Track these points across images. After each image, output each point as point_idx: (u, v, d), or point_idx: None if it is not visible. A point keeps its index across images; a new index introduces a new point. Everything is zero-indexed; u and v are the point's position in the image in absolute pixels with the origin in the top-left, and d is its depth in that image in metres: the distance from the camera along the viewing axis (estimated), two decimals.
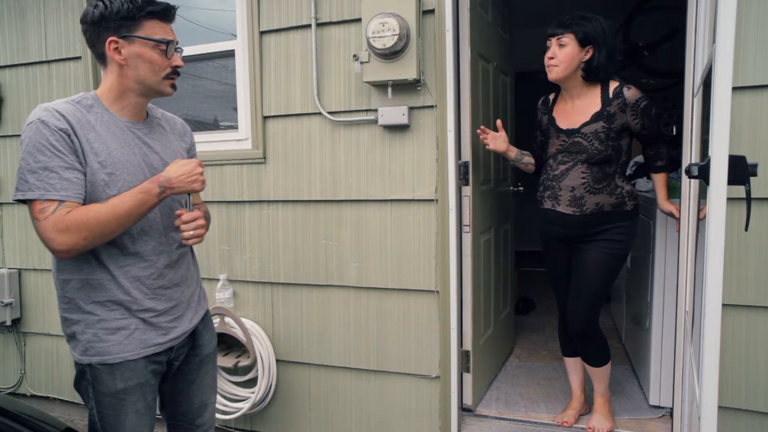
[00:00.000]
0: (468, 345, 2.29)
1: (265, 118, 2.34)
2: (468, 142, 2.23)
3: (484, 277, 2.45)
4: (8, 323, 2.83)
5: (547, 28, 2.03)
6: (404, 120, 2.09)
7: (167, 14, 1.33)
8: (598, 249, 2.03)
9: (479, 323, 2.40)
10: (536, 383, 2.66)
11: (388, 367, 2.24)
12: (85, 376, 1.33)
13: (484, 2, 2.40)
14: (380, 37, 1.95)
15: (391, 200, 2.18)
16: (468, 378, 2.31)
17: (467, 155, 2.23)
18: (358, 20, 2.12)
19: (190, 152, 1.54)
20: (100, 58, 1.32)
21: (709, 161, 1.10)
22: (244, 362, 2.32)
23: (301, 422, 2.39)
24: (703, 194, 1.62)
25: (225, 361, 2.31)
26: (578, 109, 2.05)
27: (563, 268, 2.18)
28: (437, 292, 2.14)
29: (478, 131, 2.15)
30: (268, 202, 2.37)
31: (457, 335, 2.19)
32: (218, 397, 2.34)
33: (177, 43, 1.36)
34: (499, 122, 2.20)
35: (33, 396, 2.92)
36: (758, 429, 1.88)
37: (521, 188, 3.00)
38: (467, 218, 2.24)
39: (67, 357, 2.80)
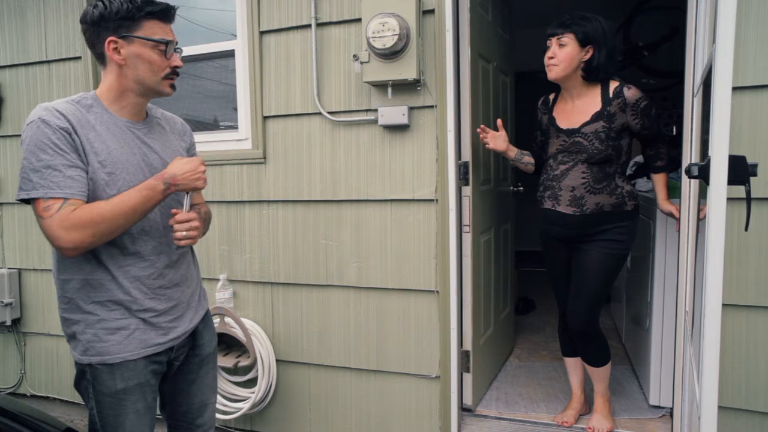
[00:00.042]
0: (468, 345, 2.29)
1: (265, 118, 2.34)
2: (468, 142, 2.23)
3: (484, 277, 2.45)
4: (8, 323, 2.83)
5: (547, 28, 2.03)
6: (404, 120, 2.09)
7: (167, 14, 1.33)
8: (598, 249, 2.03)
9: (479, 323, 2.40)
10: (536, 383, 2.66)
11: (388, 367, 2.24)
12: (85, 376, 1.33)
13: (484, 2, 2.40)
14: (380, 37, 1.95)
15: (391, 200, 2.18)
16: (468, 378, 2.31)
17: (467, 155, 2.23)
18: (358, 20, 2.12)
19: (190, 152, 1.54)
20: (100, 58, 1.32)
21: (709, 161, 1.10)
22: (244, 362, 2.32)
23: (301, 422, 2.40)
24: (703, 194, 1.62)
25: (225, 361, 2.31)
26: (578, 109, 2.05)
27: (563, 268, 2.18)
28: (437, 292, 2.14)
29: (478, 130, 2.15)
30: (268, 202, 2.37)
31: (457, 335, 2.19)
32: (218, 397, 2.34)
33: (176, 43, 1.36)
34: (499, 122, 2.20)
35: (33, 396, 2.92)
36: (758, 429, 1.88)
37: (521, 188, 3.00)
38: (467, 218, 2.24)
39: (67, 357, 2.80)
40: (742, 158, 1.11)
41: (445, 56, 2.03)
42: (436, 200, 2.11)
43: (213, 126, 2.62)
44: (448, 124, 2.06)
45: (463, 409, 2.33)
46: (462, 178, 2.23)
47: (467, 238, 2.25)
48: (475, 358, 2.34)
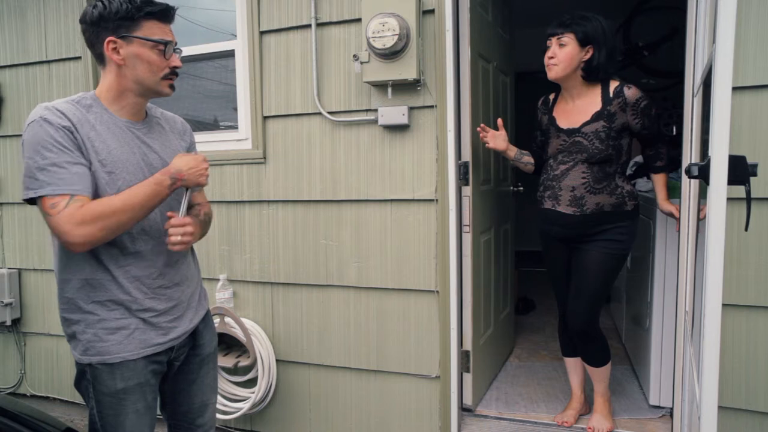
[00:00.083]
0: (468, 345, 2.29)
1: (265, 118, 2.34)
2: (468, 142, 2.23)
3: (484, 277, 2.45)
4: (8, 323, 2.83)
5: (547, 27, 2.03)
6: (404, 120, 2.09)
7: (166, 15, 1.33)
8: (598, 249, 2.03)
9: (479, 323, 2.40)
10: (536, 383, 2.66)
11: (388, 367, 2.24)
12: (85, 376, 1.33)
13: (484, 2, 2.40)
14: (380, 37, 1.95)
15: (391, 200, 2.18)
16: (468, 378, 2.31)
17: (467, 155, 2.23)
18: (358, 20, 2.12)
19: (190, 151, 1.54)
20: (99, 58, 1.32)
21: (709, 161, 1.10)
22: (244, 362, 2.32)
23: (301, 422, 2.40)
24: (703, 194, 1.62)
25: (225, 361, 2.31)
26: (579, 109, 2.05)
27: (563, 268, 2.18)
28: (437, 292, 2.14)
29: (478, 129, 2.15)
30: (268, 202, 2.37)
31: (457, 335, 2.19)
32: (218, 397, 2.34)
33: (176, 43, 1.36)
34: (500, 121, 2.20)
35: (33, 396, 2.92)
36: (758, 429, 1.88)
37: (521, 188, 3.00)
38: (467, 218, 2.24)
39: (67, 357, 2.80)
40: (742, 158, 1.11)
41: (445, 56, 2.03)
42: (436, 200, 2.11)
43: (213, 126, 2.62)
44: (448, 124, 2.06)
45: (463, 409, 2.33)
46: (462, 178, 2.23)
47: (467, 238, 2.25)
48: (475, 358, 2.34)
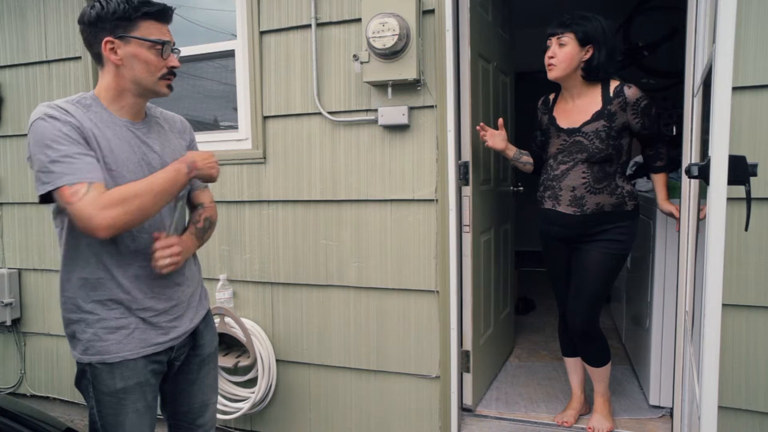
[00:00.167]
0: (468, 345, 2.29)
1: (265, 118, 2.34)
2: (468, 142, 2.23)
3: (484, 277, 2.45)
4: (8, 323, 2.83)
5: (547, 27, 2.03)
6: (404, 120, 2.09)
7: (164, 15, 1.33)
8: (598, 249, 2.03)
9: (479, 323, 2.40)
10: (536, 383, 2.66)
11: (388, 367, 2.24)
12: (85, 375, 1.33)
13: (484, 2, 2.40)
14: (380, 37, 1.95)
15: (391, 200, 2.18)
16: (468, 378, 2.31)
17: (467, 155, 2.23)
18: (358, 20, 2.12)
19: (191, 148, 1.53)
20: (97, 58, 1.32)
21: (709, 161, 1.10)
22: (244, 362, 2.32)
23: (301, 422, 2.40)
24: (703, 194, 1.62)
25: (225, 361, 2.31)
26: (579, 109, 2.05)
27: (563, 268, 2.18)
28: (437, 292, 2.14)
29: (478, 128, 2.15)
30: (268, 202, 2.37)
31: (457, 335, 2.19)
32: (218, 397, 2.34)
33: (174, 44, 1.36)
34: (500, 121, 2.20)
35: (33, 396, 2.92)
36: (758, 429, 1.88)
37: (521, 188, 3.00)
38: (467, 218, 2.24)
39: (67, 357, 2.80)
40: (742, 158, 1.11)
41: (445, 56, 2.03)
42: (436, 200, 2.11)
43: (213, 126, 2.62)
44: (448, 124, 2.06)
45: (463, 409, 2.33)
46: (462, 178, 2.23)
47: (467, 238, 2.25)
48: (475, 358, 2.34)
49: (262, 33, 2.30)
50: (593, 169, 2.00)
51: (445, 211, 2.09)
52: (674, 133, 3.51)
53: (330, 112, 2.23)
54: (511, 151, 2.21)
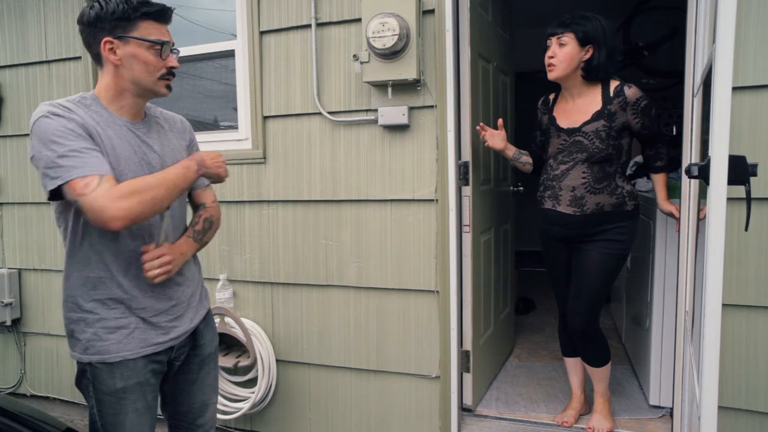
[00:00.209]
0: (468, 345, 2.29)
1: (265, 118, 2.34)
2: (468, 142, 2.23)
3: (484, 277, 2.45)
4: (8, 323, 2.83)
5: (547, 27, 2.03)
6: (404, 120, 2.09)
7: (163, 15, 1.33)
8: (598, 249, 2.03)
9: (479, 323, 2.40)
10: (536, 383, 2.66)
11: (388, 367, 2.24)
12: (85, 375, 1.33)
13: (484, 2, 2.40)
14: (380, 37, 1.95)
15: (391, 200, 2.18)
16: (468, 378, 2.31)
17: (467, 155, 2.23)
18: (358, 20, 2.12)
19: (191, 148, 1.54)
20: (96, 58, 1.32)
21: (709, 161, 1.10)
22: (244, 362, 2.32)
23: (301, 422, 2.40)
24: (703, 194, 1.62)
25: (225, 361, 2.31)
26: (579, 108, 2.05)
27: (563, 268, 2.18)
28: (437, 292, 2.14)
29: (478, 128, 2.15)
30: (268, 202, 2.37)
31: (457, 335, 2.19)
32: (218, 397, 2.34)
33: (173, 44, 1.36)
34: (500, 121, 2.20)
35: (33, 396, 2.92)
36: (758, 429, 1.88)
37: (521, 188, 3.00)
38: (467, 218, 2.24)
39: (67, 357, 2.80)
40: (742, 158, 1.11)
41: (445, 56, 2.03)
42: (436, 200, 2.10)
43: (213, 126, 2.62)
44: (448, 124, 2.06)
45: (463, 409, 2.33)
46: (462, 178, 2.23)
47: (467, 238, 2.25)
48: (475, 358, 2.34)
49: (262, 33, 2.30)
50: (593, 169, 2.00)
51: (445, 211, 2.09)
52: (674, 133, 3.51)
53: (330, 112, 2.23)
54: (511, 150, 2.21)
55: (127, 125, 1.34)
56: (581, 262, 2.07)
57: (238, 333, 2.29)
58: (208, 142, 2.45)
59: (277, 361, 2.40)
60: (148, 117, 1.42)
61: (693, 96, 1.82)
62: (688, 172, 1.29)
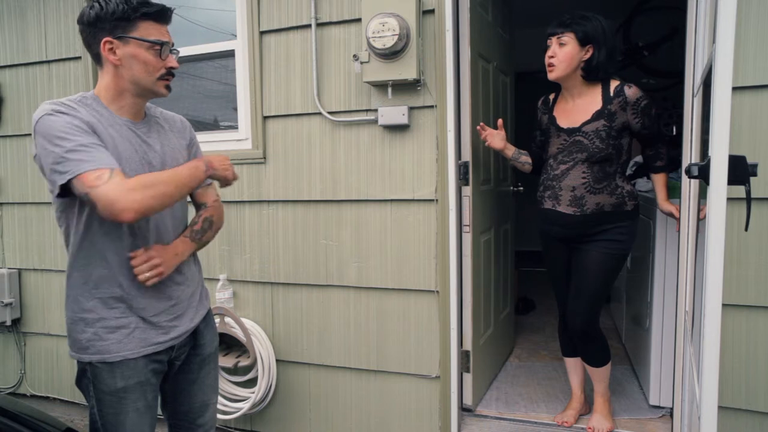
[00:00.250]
0: (468, 345, 2.29)
1: (265, 118, 2.34)
2: (468, 142, 2.23)
3: (484, 277, 2.45)
4: (8, 323, 2.83)
5: (548, 27, 2.03)
6: (404, 120, 2.09)
7: (163, 16, 1.33)
8: (598, 249, 2.03)
9: (479, 323, 2.40)
10: (536, 383, 2.66)
11: (388, 367, 2.24)
12: (86, 375, 1.34)
13: (484, 2, 2.40)
14: (380, 37, 1.95)
15: (391, 200, 2.18)
16: (468, 378, 2.31)
17: (467, 155, 2.23)
18: (358, 20, 2.12)
19: (191, 147, 1.54)
20: (96, 58, 1.33)
21: (709, 161, 1.10)
22: (244, 362, 2.32)
23: (301, 422, 2.40)
24: (703, 194, 1.62)
25: (225, 361, 2.31)
26: (579, 108, 2.05)
27: (563, 268, 2.18)
28: (437, 292, 2.14)
29: (478, 128, 2.16)
30: (268, 202, 2.37)
31: (457, 335, 2.19)
32: (218, 397, 2.34)
33: (173, 44, 1.37)
34: (500, 122, 2.20)
35: (33, 396, 2.92)
36: (758, 429, 1.88)
37: (521, 188, 3.00)
38: (467, 218, 2.24)
39: (67, 357, 2.79)
40: (742, 158, 1.11)
41: (445, 56, 2.03)
42: (436, 200, 2.11)
43: (213, 126, 2.62)
44: (448, 124, 2.06)
45: (463, 409, 2.33)
46: (462, 178, 2.23)
47: (467, 238, 2.25)
48: (475, 358, 2.34)
49: (262, 33, 2.30)
50: (593, 168, 2.00)
51: (445, 211, 2.09)
52: (674, 133, 3.51)
53: (330, 112, 2.23)
54: (510, 150, 2.22)
55: (128, 125, 1.35)
56: (581, 262, 2.07)
57: (238, 333, 2.29)
58: (208, 142, 2.45)
59: (277, 361, 2.40)
60: (148, 117, 1.43)
61: (693, 96, 1.82)
62: (688, 172, 1.29)
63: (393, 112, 2.09)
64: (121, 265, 1.32)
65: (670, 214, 2.04)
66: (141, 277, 1.31)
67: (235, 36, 2.38)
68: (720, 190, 1.08)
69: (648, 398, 2.36)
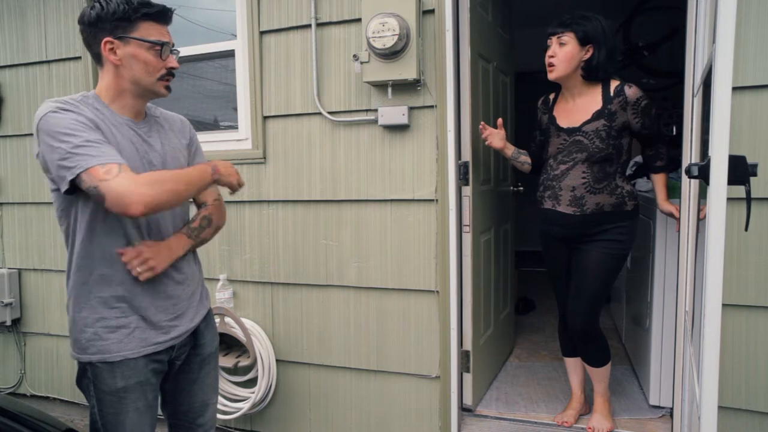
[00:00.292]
0: (468, 345, 2.29)
1: (265, 118, 2.34)
2: (468, 142, 2.23)
3: (484, 277, 2.45)
4: (8, 323, 2.83)
5: (548, 27, 2.03)
6: (404, 120, 2.09)
7: (163, 16, 1.34)
8: (598, 249, 2.03)
9: (479, 323, 2.40)
10: (536, 383, 2.66)
11: (388, 367, 2.24)
12: (86, 374, 1.34)
13: (484, 2, 2.40)
14: (380, 37, 1.95)
15: (391, 200, 2.18)
16: (468, 378, 2.31)
17: (467, 155, 2.23)
18: (358, 20, 2.12)
19: (191, 146, 1.54)
20: (97, 58, 1.33)
21: (709, 161, 1.10)
22: (244, 362, 2.32)
23: (301, 422, 2.40)
24: (703, 194, 1.62)
25: (225, 361, 2.31)
26: (579, 108, 2.05)
27: (563, 268, 2.18)
28: (437, 292, 2.14)
29: (480, 127, 2.16)
30: (268, 202, 2.37)
31: (457, 335, 2.19)
32: (218, 397, 2.34)
33: (173, 45, 1.37)
34: (500, 121, 2.20)
35: (33, 396, 2.92)
36: (758, 429, 1.88)
37: (521, 188, 3.00)
38: (467, 218, 2.24)
39: (67, 357, 2.80)
40: (742, 158, 1.11)
41: (445, 56, 2.03)
42: (436, 200, 2.11)
43: (213, 126, 2.62)
44: (448, 124, 2.06)
45: (463, 409, 2.33)
46: (462, 178, 2.23)
47: (467, 238, 2.25)
48: (475, 358, 2.34)
49: (262, 33, 2.30)
50: (593, 168, 2.00)
51: (445, 211, 2.09)
52: (674, 133, 3.50)
53: (330, 112, 2.23)
54: (509, 150, 2.22)
55: (129, 124, 1.35)
56: (581, 262, 2.07)
57: (238, 333, 2.29)
58: (208, 142, 2.45)
59: (277, 361, 2.40)
60: (148, 117, 1.43)
61: (693, 96, 1.82)
62: (688, 172, 1.29)
63: (393, 112, 2.09)
64: (123, 264, 1.32)
65: (670, 214, 2.04)
66: (134, 273, 1.31)
67: (235, 36, 2.38)
68: (720, 190, 1.08)
69: (648, 398, 2.36)
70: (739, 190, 1.17)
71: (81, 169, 1.16)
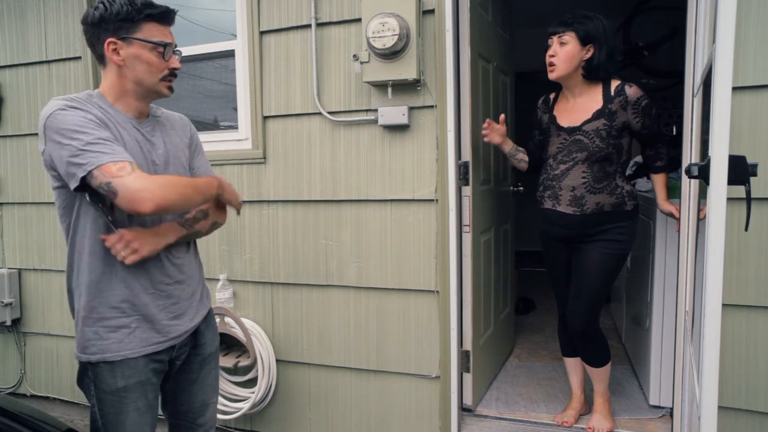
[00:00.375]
0: (468, 345, 2.29)
1: (265, 118, 2.34)
2: (468, 142, 2.23)
3: (484, 277, 2.45)
4: (8, 323, 2.83)
5: (549, 26, 2.03)
6: (404, 120, 2.09)
7: (166, 17, 1.35)
8: (598, 249, 2.03)
9: (479, 323, 2.40)
10: (536, 383, 2.66)
11: (388, 367, 2.24)
12: (87, 374, 1.34)
13: (484, 2, 2.40)
14: (380, 37, 1.95)
15: (391, 200, 2.18)
16: (468, 378, 2.31)
17: (467, 155, 2.23)
18: (358, 20, 2.12)
19: (192, 145, 1.54)
20: (100, 58, 1.34)
21: (709, 161, 1.10)
22: (244, 362, 2.32)
23: (301, 422, 2.40)
24: (703, 194, 1.62)
25: (225, 361, 2.31)
26: (579, 107, 2.05)
27: (563, 268, 2.18)
28: (437, 292, 2.14)
29: (485, 125, 2.15)
30: (268, 202, 2.37)
31: (457, 335, 2.19)
32: (218, 397, 2.34)
33: (175, 45, 1.38)
34: (502, 116, 2.21)
35: (33, 396, 2.92)
36: (758, 429, 1.88)
37: (521, 188, 3.00)
38: (467, 218, 2.24)
39: (67, 357, 2.81)
40: (742, 158, 1.11)
41: (445, 56, 2.03)
42: (436, 200, 2.11)
43: (213, 126, 2.62)
44: (448, 124, 2.06)
45: (463, 409, 2.33)
46: (462, 178, 2.23)
47: (467, 238, 2.25)
48: (475, 358, 2.34)
49: (262, 33, 2.30)
50: (593, 168, 2.00)
51: (445, 211, 2.09)
52: (674, 133, 3.50)
53: (330, 112, 2.23)
54: (508, 146, 2.23)
55: (133, 123, 1.36)
56: (581, 262, 2.07)
57: (238, 333, 2.29)
58: (209, 142, 2.44)
59: (277, 361, 2.40)
60: (151, 116, 1.44)
61: (693, 96, 1.82)
62: (688, 172, 1.29)
63: (393, 112, 2.09)
64: (123, 263, 1.32)
65: (670, 214, 2.04)
66: (119, 257, 1.29)
67: (235, 36, 2.38)
68: (720, 190, 1.08)
69: (648, 398, 2.36)
70: (739, 190, 1.17)
71: (93, 166, 1.16)
